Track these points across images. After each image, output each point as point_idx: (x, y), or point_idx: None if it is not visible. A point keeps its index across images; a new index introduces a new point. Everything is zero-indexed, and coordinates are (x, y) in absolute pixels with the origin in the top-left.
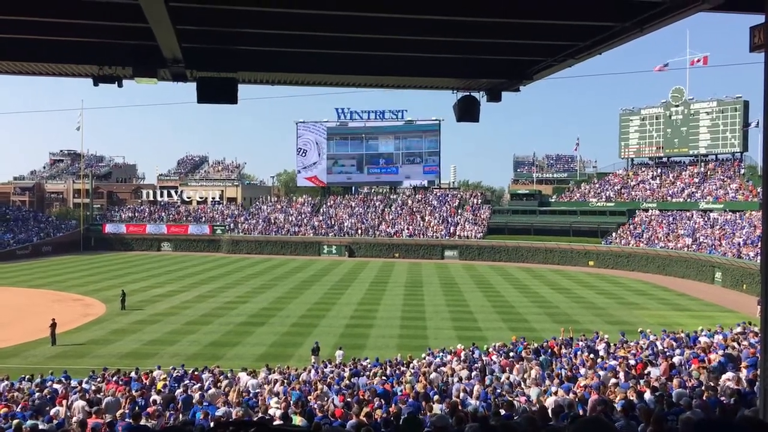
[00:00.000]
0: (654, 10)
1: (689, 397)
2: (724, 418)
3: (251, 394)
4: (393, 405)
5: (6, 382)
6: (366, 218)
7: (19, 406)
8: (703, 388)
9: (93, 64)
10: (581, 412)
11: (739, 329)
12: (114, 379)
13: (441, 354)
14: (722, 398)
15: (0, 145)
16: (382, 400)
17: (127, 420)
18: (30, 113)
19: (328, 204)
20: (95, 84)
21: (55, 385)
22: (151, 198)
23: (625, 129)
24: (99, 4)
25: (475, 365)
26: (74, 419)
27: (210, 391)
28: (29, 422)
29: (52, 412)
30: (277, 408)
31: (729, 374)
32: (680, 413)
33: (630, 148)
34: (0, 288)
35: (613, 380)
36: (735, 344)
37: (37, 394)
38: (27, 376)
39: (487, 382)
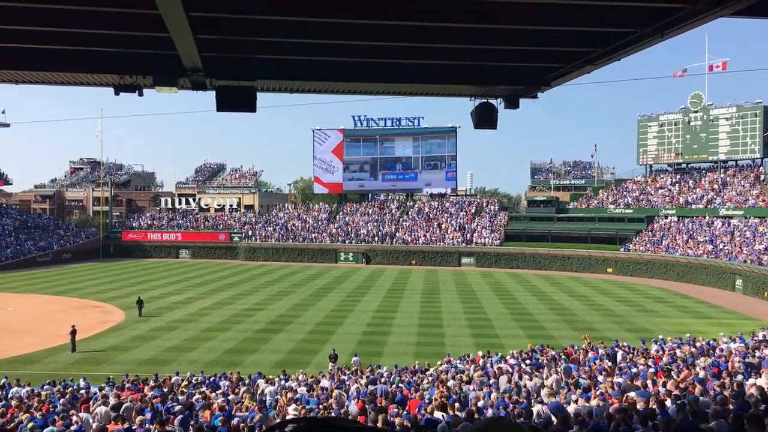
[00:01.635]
0: (674, 16)
1: (714, 407)
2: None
3: (268, 402)
4: (416, 410)
5: (27, 388)
6: (383, 225)
7: (39, 413)
8: (726, 394)
9: (114, 73)
10: (608, 415)
11: (761, 335)
12: (128, 386)
13: (458, 361)
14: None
15: (21, 154)
16: (399, 407)
17: (147, 426)
18: (50, 122)
19: (345, 211)
20: (116, 93)
21: (77, 392)
22: (170, 206)
23: (643, 135)
24: (120, 14)
25: (493, 372)
26: (95, 425)
27: (228, 398)
28: (50, 428)
29: (74, 418)
30: (296, 414)
31: (755, 380)
32: (703, 422)
33: (648, 154)
34: (21, 295)
35: (632, 388)
36: (755, 351)
37: (60, 400)
38: (49, 382)
39: (505, 389)
